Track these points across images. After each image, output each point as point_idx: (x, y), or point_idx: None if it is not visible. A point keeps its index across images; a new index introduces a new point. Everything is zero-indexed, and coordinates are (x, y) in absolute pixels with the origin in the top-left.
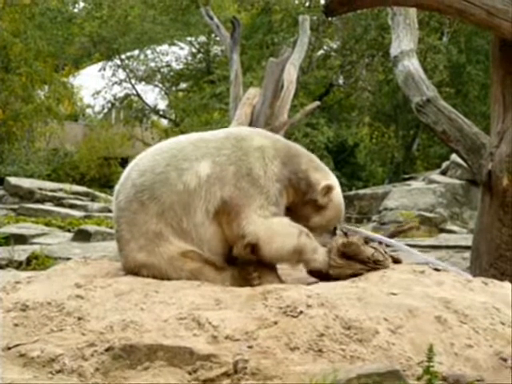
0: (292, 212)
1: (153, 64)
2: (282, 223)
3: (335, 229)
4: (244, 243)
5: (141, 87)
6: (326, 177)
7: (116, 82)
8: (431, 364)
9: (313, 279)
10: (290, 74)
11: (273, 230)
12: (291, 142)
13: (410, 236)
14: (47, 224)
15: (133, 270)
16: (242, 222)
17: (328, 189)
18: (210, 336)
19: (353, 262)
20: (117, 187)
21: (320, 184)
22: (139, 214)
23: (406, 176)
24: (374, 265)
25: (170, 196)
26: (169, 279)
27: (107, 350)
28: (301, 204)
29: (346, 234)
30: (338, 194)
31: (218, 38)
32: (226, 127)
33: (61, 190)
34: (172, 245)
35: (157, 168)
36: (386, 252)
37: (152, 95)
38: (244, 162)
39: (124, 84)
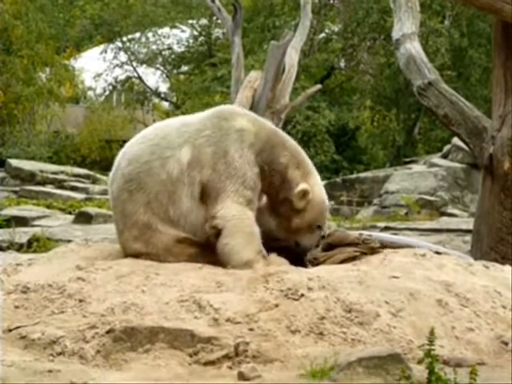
0: (273, 212)
1: (154, 47)
2: (252, 229)
3: (319, 227)
4: (212, 224)
5: (142, 70)
6: (305, 177)
7: (117, 65)
8: (432, 347)
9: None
10: (292, 58)
11: (240, 228)
12: (282, 132)
13: (411, 219)
14: (48, 206)
15: (131, 256)
16: (217, 204)
17: (304, 193)
18: (211, 318)
19: (343, 248)
20: (110, 175)
21: (297, 185)
22: (129, 204)
23: (407, 159)
24: (365, 245)
25: (155, 186)
26: None
27: (108, 332)
28: (278, 203)
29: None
30: (317, 195)
31: (219, 21)
32: None
33: (62, 172)
34: (163, 234)
35: (142, 157)
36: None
37: (153, 78)
38: (222, 144)
39: (125, 67)
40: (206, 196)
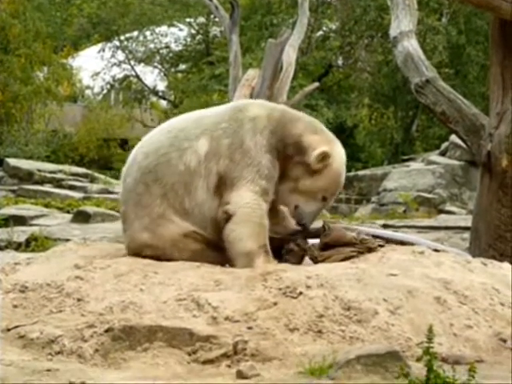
0: (282, 177)
1: (152, 45)
2: (262, 220)
3: (325, 198)
4: (224, 209)
5: (140, 68)
6: (325, 142)
7: (115, 64)
8: (431, 345)
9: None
10: (289, 56)
11: (250, 217)
12: (297, 111)
13: (410, 217)
14: (46, 205)
15: (136, 250)
16: (232, 191)
17: (324, 155)
18: (209, 317)
19: (340, 248)
20: (124, 169)
21: (315, 148)
22: (144, 196)
23: (405, 157)
24: (362, 244)
25: (172, 177)
26: (171, 260)
27: (107, 331)
28: (291, 166)
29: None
30: (336, 163)
31: (217, 19)
32: None
33: (60, 171)
34: (175, 225)
35: (160, 149)
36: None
37: (151, 76)
38: (238, 134)
39: (123, 65)
40: (222, 185)
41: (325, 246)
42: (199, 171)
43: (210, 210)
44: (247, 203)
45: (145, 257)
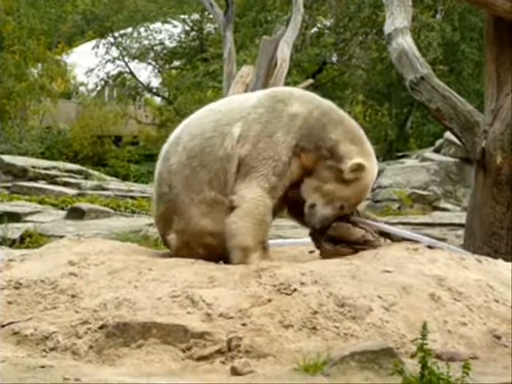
0: (312, 171)
1: (146, 42)
2: (264, 217)
3: (342, 208)
4: (230, 198)
5: (134, 65)
6: (361, 154)
7: (109, 60)
8: (425, 341)
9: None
10: (284, 52)
11: (253, 213)
12: (340, 111)
13: (404, 214)
14: (41, 202)
15: (195, 237)
16: (244, 182)
17: (358, 167)
18: (203, 314)
19: (342, 247)
20: (166, 147)
21: (352, 158)
22: (193, 180)
23: (400, 154)
24: (363, 245)
25: (215, 163)
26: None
27: (101, 327)
28: (323, 166)
29: (351, 222)
30: (368, 178)
31: (211, 16)
32: None
33: (54, 167)
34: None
35: (206, 133)
36: (376, 232)
37: (145, 73)
38: (271, 125)
39: (117, 62)
40: (238, 172)
41: (329, 239)
42: (233, 155)
43: None
44: (252, 198)
45: (202, 245)
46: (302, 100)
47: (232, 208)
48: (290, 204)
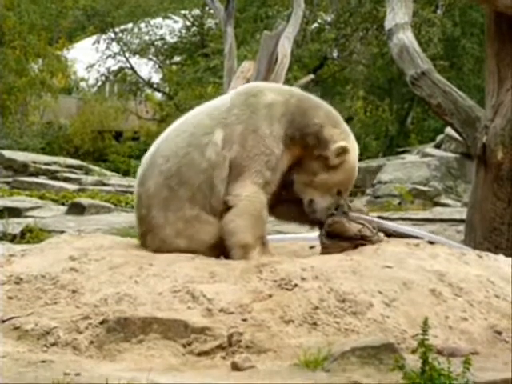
0: (299, 165)
1: (147, 37)
2: (260, 213)
3: (339, 193)
4: (226, 198)
5: (135, 60)
6: (343, 136)
7: (110, 56)
8: (426, 337)
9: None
10: (284, 48)
11: (249, 210)
12: (314, 97)
13: (405, 209)
14: (41, 197)
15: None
16: (237, 182)
17: (342, 150)
18: (204, 309)
19: (339, 242)
20: (141, 172)
21: (335, 142)
22: (172, 200)
23: (400, 149)
24: (361, 240)
25: (198, 177)
26: None
27: (101, 322)
28: (309, 158)
29: (345, 214)
30: (352, 158)
31: (212, 11)
32: None
33: (55, 163)
34: (213, 227)
35: (180, 151)
36: (374, 228)
37: (146, 68)
38: (251, 121)
39: (118, 57)
40: (230, 173)
41: (327, 235)
42: (218, 162)
43: None
44: (247, 196)
45: None
46: (275, 91)
47: (228, 208)
48: (288, 208)
